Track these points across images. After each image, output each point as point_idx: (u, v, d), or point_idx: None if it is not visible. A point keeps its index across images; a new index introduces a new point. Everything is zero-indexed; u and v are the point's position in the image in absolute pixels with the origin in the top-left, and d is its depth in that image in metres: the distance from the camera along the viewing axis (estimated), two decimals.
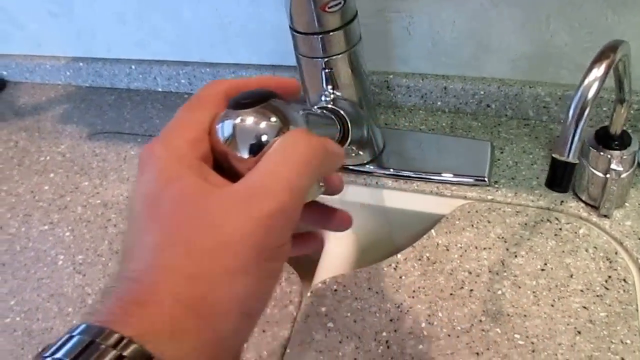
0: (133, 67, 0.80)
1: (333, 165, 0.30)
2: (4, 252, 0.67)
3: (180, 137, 0.28)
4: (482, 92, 0.63)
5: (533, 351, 0.46)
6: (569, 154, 0.39)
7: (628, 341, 0.45)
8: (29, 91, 0.90)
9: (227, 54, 0.73)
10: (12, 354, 0.56)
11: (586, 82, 0.38)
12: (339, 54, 0.51)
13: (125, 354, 0.21)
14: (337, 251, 0.61)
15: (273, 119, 0.28)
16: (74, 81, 0.87)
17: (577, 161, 0.39)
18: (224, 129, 0.28)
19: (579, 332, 0.46)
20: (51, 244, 0.66)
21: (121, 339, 0.21)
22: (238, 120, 0.28)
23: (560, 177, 0.40)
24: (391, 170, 0.61)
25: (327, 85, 0.53)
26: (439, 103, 0.66)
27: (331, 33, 0.49)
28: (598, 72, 0.38)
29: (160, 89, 0.82)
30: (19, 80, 0.92)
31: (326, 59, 0.51)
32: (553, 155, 0.39)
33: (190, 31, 0.73)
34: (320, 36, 0.49)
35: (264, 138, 0.27)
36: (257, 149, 0.27)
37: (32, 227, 0.68)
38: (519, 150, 0.61)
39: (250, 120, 0.28)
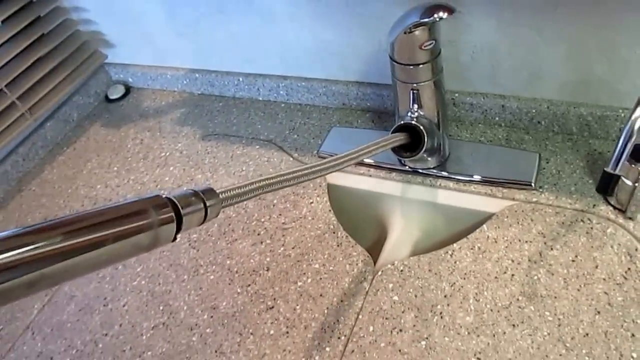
0: (241, 79, 0.97)
1: None
2: None
3: None
4: (534, 111, 0.75)
5: (559, 325, 0.58)
6: (616, 169, 0.52)
7: (639, 321, 0.56)
8: (151, 96, 1.09)
9: (320, 71, 0.89)
10: (138, 309, 0.74)
11: (633, 117, 0.50)
12: (426, 81, 0.65)
13: None
14: (401, 239, 0.75)
15: None
16: (188, 89, 1.05)
17: (622, 174, 0.52)
18: None
19: (599, 312, 0.58)
20: None
21: None
22: None
23: (608, 185, 0.53)
24: (453, 174, 0.74)
25: (413, 104, 0.67)
26: (497, 118, 0.78)
27: (421, 65, 0.63)
28: None
29: (261, 98, 0.98)
30: (142, 86, 1.11)
31: (415, 84, 0.65)
32: (605, 169, 0.52)
33: (291, 51, 0.88)
34: (412, 67, 0.63)
35: None
36: None
37: None
38: (562, 161, 0.72)
39: None
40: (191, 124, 0.99)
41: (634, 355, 0.54)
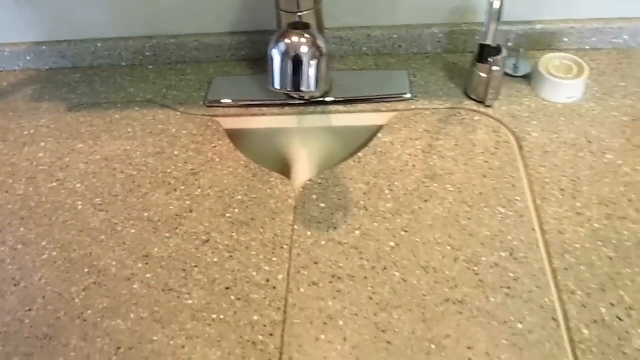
0: (99, 45, 1.01)
1: None
2: (19, 209, 0.85)
3: None
4: (395, 36, 0.95)
5: (460, 192, 0.78)
6: (486, 39, 0.71)
7: (514, 175, 0.78)
8: None
9: (190, 25, 0.98)
10: (59, 278, 0.76)
11: None
12: (309, 10, 0.79)
13: None
14: (305, 167, 0.90)
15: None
16: (33, 65, 1.05)
17: (496, 45, 0.72)
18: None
19: (485, 176, 0.79)
20: (65, 195, 0.86)
21: None
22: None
23: (486, 54, 0.72)
24: (340, 98, 0.90)
25: None
26: (364, 48, 0.97)
27: None
28: None
29: (124, 64, 1.04)
30: None
31: (299, 14, 0.79)
32: (480, 42, 0.72)
33: (157, 8, 0.96)
34: None
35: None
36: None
37: (40, 187, 0.87)
38: (426, 74, 0.93)
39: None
40: (49, 99, 1.00)
41: (517, 198, 0.76)
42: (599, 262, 0.68)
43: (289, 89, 0.65)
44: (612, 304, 0.65)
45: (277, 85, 0.65)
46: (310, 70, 0.64)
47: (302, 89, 0.65)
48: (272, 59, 0.64)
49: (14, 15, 0.99)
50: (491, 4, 0.70)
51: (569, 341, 0.63)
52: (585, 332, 0.63)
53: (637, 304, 0.64)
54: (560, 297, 0.66)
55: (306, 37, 0.60)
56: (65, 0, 0.96)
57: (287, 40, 0.58)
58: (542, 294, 0.66)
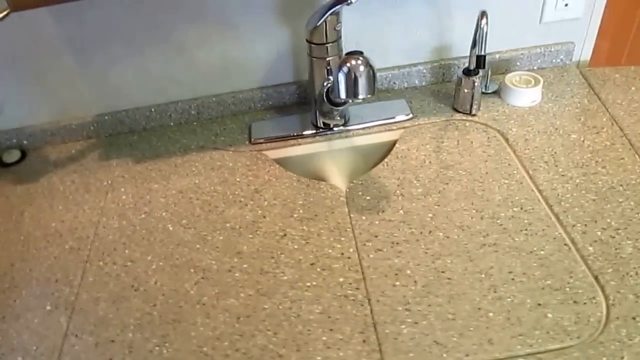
0: (153, 110, 1.22)
1: None
2: (119, 237, 1.02)
3: None
4: (390, 75, 1.22)
5: (471, 174, 1.02)
6: (481, 51, 0.98)
7: (507, 157, 1.04)
8: (53, 152, 1.24)
9: (227, 85, 1.22)
10: (170, 279, 0.93)
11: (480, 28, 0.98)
12: (334, 56, 1.05)
13: None
14: (338, 175, 1.13)
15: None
16: (95, 134, 1.25)
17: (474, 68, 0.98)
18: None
19: (486, 161, 1.04)
20: (155, 222, 1.04)
21: None
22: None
23: (480, 63, 0.98)
24: (358, 124, 1.15)
25: (327, 75, 1.06)
26: None
27: (331, 43, 1.03)
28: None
29: (172, 124, 1.25)
30: (39, 145, 1.25)
31: (327, 59, 1.05)
32: (477, 54, 0.97)
33: (199, 73, 1.19)
34: (326, 45, 1.03)
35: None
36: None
37: (131, 219, 1.05)
38: (419, 100, 1.20)
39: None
40: (117, 157, 1.19)
41: (514, 172, 1.01)
42: (586, 204, 0.93)
43: (351, 98, 0.91)
44: (604, 229, 0.89)
45: (343, 95, 0.90)
46: (363, 82, 0.90)
47: (360, 96, 0.90)
48: (337, 77, 0.89)
49: (82, 94, 1.19)
50: (475, 33, 0.98)
51: (580, 257, 0.86)
52: (590, 249, 0.87)
53: (621, 227, 0.89)
54: (566, 230, 0.90)
55: (360, 59, 0.86)
56: (123, 75, 1.18)
57: (348, 63, 0.84)
58: (551, 230, 0.90)
